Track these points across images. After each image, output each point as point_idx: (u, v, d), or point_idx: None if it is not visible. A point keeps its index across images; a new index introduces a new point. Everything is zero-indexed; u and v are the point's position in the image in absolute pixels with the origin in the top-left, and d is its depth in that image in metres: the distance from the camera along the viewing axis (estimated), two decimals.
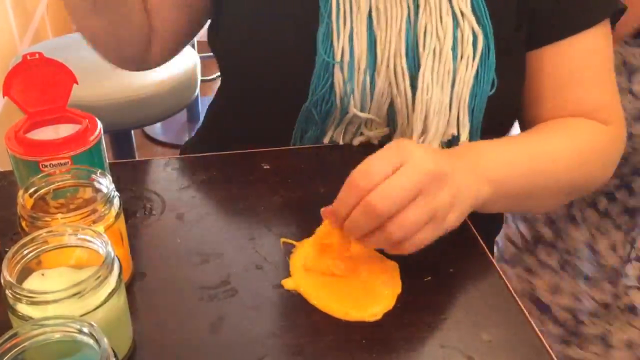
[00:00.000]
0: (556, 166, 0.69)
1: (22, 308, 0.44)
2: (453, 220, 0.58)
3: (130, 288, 0.59)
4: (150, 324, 0.56)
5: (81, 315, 0.44)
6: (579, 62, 0.74)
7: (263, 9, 0.75)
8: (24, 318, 0.44)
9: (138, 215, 0.68)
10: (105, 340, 0.39)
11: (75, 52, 1.48)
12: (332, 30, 0.71)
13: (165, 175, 0.74)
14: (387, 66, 0.71)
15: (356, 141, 0.77)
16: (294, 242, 0.63)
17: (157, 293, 0.59)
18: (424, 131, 0.72)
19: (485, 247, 0.64)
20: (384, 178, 0.54)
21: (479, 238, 0.65)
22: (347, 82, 0.72)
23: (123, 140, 1.90)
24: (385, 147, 0.57)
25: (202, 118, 0.92)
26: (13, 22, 1.49)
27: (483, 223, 0.68)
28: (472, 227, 0.66)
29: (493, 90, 0.72)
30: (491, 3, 0.71)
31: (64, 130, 0.62)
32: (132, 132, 1.93)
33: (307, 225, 0.64)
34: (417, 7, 0.71)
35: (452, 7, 0.71)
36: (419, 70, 0.71)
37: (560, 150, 0.71)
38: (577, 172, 0.72)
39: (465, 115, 0.72)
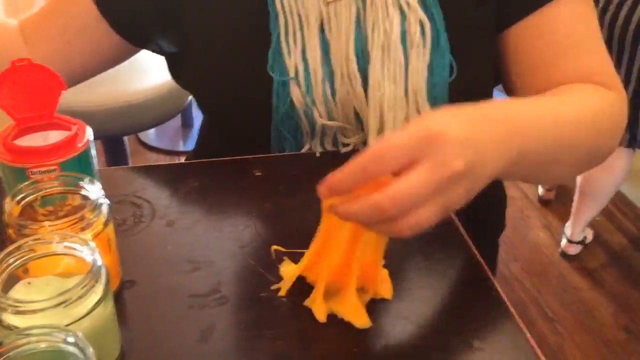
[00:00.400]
0: (579, 131, 0.65)
1: (8, 317, 0.44)
2: (460, 204, 0.52)
3: (119, 296, 0.58)
4: (140, 332, 0.55)
5: (68, 325, 0.44)
6: (560, 32, 0.71)
7: (220, 40, 0.75)
8: (9, 327, 0.43)
9: (128, 222, 0.67)
10: (91, 349, 0.38)
11: None
12: (281, 48, 0.71)
13: (156, 182, 0.74)
14: (342, 72, 0.71)
15: (342, 151, 0.77)
16: (285, 250, 0.63)
17: (147, 301, 0.58)
18: (381, 129, 0.71)
19: (478, 255, 0.64)
20: (398, 167, 0.48)
21: (472, 245, 0.65)
22: (306, 95, 0.72)
23: (116, 147, 1.90)
24: (414, 128, 0.49)
25: (195, 124, 0.91)
26: None
27: (485, 224, 0.68)
28: (465, 234, 0.66)
29: (454, 76, 0.71)
30: None
31: (53, 136, 0.61)
32: (126, 138, 1.93)
33: (298, 233, 0.63)
34: (365, 7, 0.70)
35: None
36: None
37: (580, 113, 0.66)
38: (596, 136, 0.68)
39: (425, 105, 0.71)
